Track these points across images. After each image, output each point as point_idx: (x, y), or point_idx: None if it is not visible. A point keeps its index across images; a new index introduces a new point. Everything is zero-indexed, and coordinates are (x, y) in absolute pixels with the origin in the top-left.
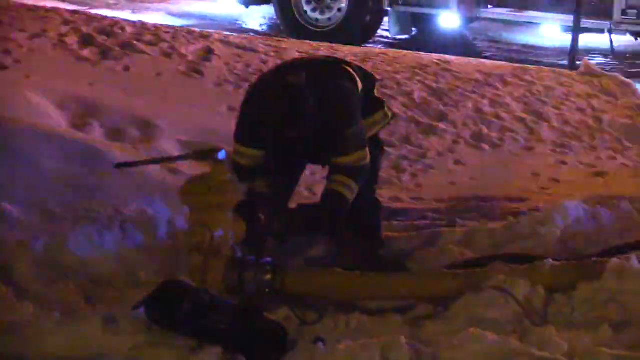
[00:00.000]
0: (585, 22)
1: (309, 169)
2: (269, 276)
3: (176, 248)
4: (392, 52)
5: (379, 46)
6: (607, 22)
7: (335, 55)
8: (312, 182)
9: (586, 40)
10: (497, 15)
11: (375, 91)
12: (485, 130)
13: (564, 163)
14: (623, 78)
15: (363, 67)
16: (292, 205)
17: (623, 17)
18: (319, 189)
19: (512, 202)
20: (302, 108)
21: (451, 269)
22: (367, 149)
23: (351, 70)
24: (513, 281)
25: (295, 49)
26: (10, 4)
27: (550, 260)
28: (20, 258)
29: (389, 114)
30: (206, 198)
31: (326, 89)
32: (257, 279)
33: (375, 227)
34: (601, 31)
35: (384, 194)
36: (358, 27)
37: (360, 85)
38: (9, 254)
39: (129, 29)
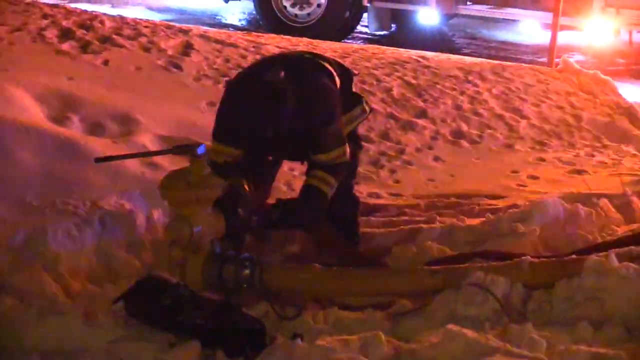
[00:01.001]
0: (564, 20)
1: (288, 164)
2: (247, 271)
3: (155, 242)
4: (371, 47)
5: (358, 42)
6: (586, 20)
7: (314, 51)
8: (291, 178)
9: (565, 37)
10: (476, 12)
11: (353, 86)
12: (464, 127)
13: (543, 160)
14: (602, 76)
15: (341, 62)
16: (271, 200)
17: (602, 14)
18: (298, 185)
19: (491, 199)
20: (281, 106)
21: (430, 265)
22: (346, 146)
23: (329, 66)
24: (492, 278)
25: (275, 44)
26: None
27: (529, 257)
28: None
29: (367, 109)
30: (185, 193)
31: (305, 86)
32: (236, 274)
33: (353, 223)
34: (580, 29)
35: (362, 190)
36: (337, 23)
37: (338, 81)
38: None
39: (108, 23)
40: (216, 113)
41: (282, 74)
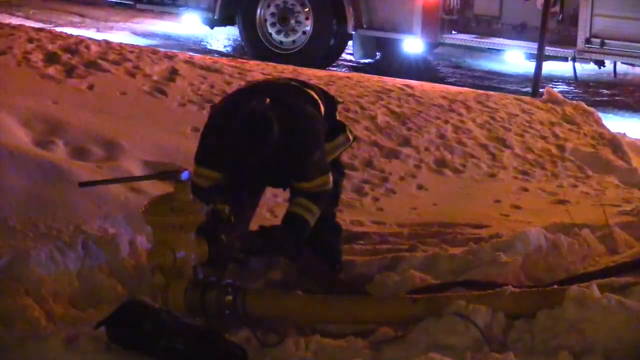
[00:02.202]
0: (549, 50)
1: (271, 191)
2: (229, 298)
3: (138, 268)
4: (356, 75)
5: (343, 70)
6: (571, 50)
7: (299, 78)
8: (274, 204)
9: (549, 68)
10: (461, 41)
11: (337, 114)
12: (448, 156)
13: (526, 190)
14: (586, 106)
15: (325, 89)
16: (254, 227)
17: (587, 45)
18: (281, 212)
19: (473, 228)
20: (266, 134)
21: (412, 293)
22: (330, 174)
23: (313, 94)
24: (473, 307)
25: (260, 70)
26: None
27: (511, 287)
28: None
29: (351, 137)
30: (169, 218)
31: (289, 114)
32: (219, 300)
33: (335, 251)
34: (565, 59)
35: (345, 218)
36: (322, 50)
37: (322, 109)
38: None
39: (93, 48)
40: (200, 137)
41: (267, 101)
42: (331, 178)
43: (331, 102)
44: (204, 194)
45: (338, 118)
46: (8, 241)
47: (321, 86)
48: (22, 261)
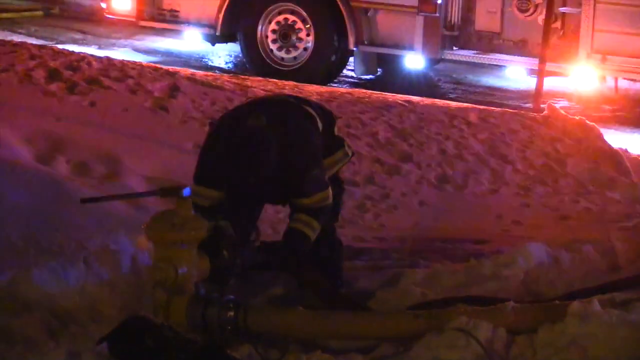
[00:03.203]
0: (550, 66)
1: (273, 207)
2: (231, 313)
3: (140, 284)
4: (357, 91)
5: (344, 86)
6: (572, 66)
7: (300, 94)
8: (276, 220)
9: (551, 83)
10: (462, 57)
11: (335, 129)
12: (449, 172)
13: (527, 206)
14: (587, 122)
15: (323, 105)
16: (255, 243)
17: (588, 60)
18: (282, 227)
19: (475, 243)
20: (264, 152)
21: (413, 309)
22: (329, 189)
23: (311, 111)
24: (475, 322)
25: (261, 87)
26: None
27: (513, 302)
28: None
29: (349, 152)
30: (170, 234)
31: (287, 132)
32: (220, 316)
33: (336, 266)
34: (566, 75)
35: (346, 233)
36: (323, 67)
37: (320, 125)
38: None
39: (95, 65)
40: (199, 155)
41: (264, 119)
42: (331, 193)
43: (329, 117)
44: (204, 213)
45: (338, 134)
46: (10, 257)
47: (322, 102)
48: (23, 277)
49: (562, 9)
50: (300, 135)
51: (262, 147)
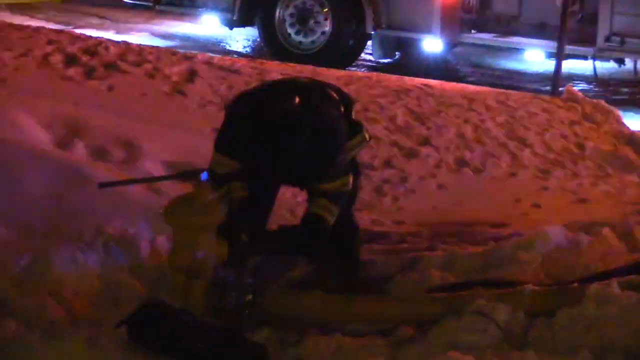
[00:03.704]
0: (569, 49)
1: (291, 191)
2: (250, 297)
3: (159, 268)
4: (375, 75)
5: (363, 69)
6: (591, 49)
7: (318, 78)
8: (294, 204)
9: (569, 66)
10: (481, 40)
11: (353, 113)
12: (467, 155)
13: (546, 189)
14: (606, 105)
15: (342, 89)
16: (273, 226)
17: (607, 43)
18: (301, 211)
19: (493, 227)
20: (298, 135)
21: (431, 292)
22: (350, 174)
23: (335, 94)
24: (493, 306)
25: (279, 71)
26: None
27: (531, 285)
28: (3, 275)
29: (367, 136)
30: (189, 218)
31: (317, 116)
32: (238, 300)
33: (354, 250)
34: (584, 57)
35: (365, 217)
36: (341, 51)
37: (342, 109)
38: None
39: (113, 49)
40: (222, 124)
41: (298, 101)
42: (351, 179)
43: (348, 101)
44: (220, 179)
45: (356, 117)
46: (29, 242)
47: (340, 86)
48: (43, 262)
49: None
50: (328, 120)
51: (297, 130)
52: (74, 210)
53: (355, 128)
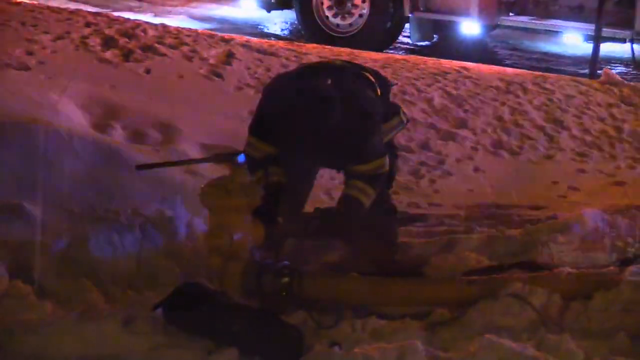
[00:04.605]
0: (607, 32)
1: (329, 173)
2: (286, 279)
3: (195, 250)
4: (412, 58)
5: (400, 52)
6: (629, 32)
7: (355, 61)
8: (331, 187)
9: (607, 49)
10: (518, 23)
11: (390, 96)
12: (504, 138)
13: (583, 172)
14: None
15: (379, 72)
16: (310, 209)
17: None
18: (337, 194)
19: (530, 209)
20: (330, 111)
21: (468, 275)
22: (386, 156)
23: (370, 77)
24: (530, 289)
25: (316, 53)
26: (36, 6)
27: (568, 268)
28: (41, 257)
29: (405, 119)
30: (225, 201)
31: (351, 97)
32: (275, 282)
33: (391, 232)
34: (622, 40)
35: (402, 200)
36: (379, 33)
37: (378, 91)
38: (30, 253)
39: (150, 32)
40: (257, 108)
41: (332, 83)
42: (387, 161)
43: (385, 84)
44: (256, 164)
45: (393, 100)
46: (67, 224)
47: (377, 69)
48: (80, 244)
49: None
50: (362, 101)
51: (328, 104)
52: (111, 193)
53: (393, 110)
